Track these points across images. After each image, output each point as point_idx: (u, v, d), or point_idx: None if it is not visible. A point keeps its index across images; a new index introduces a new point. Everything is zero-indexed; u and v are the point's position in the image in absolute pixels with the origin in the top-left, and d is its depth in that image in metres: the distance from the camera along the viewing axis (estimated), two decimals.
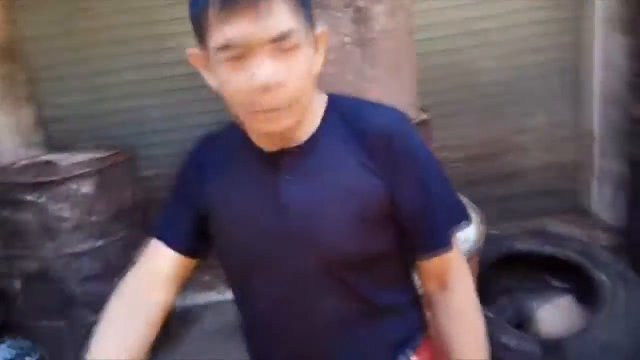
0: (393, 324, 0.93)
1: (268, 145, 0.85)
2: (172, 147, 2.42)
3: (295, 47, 0.73)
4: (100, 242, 1.88)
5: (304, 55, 0.75)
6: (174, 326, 2.28)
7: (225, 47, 0.72)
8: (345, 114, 0.85)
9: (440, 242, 0.86)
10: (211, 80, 0.81)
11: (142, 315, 0.86)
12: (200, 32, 0.75)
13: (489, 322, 1.47)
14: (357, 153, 0.83)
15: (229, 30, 0.70)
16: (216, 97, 0.84)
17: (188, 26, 0.78)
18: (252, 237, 0.85)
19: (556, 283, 2.00)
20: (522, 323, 1.87)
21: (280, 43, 0.72)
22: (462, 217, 0.88)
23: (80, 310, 1.86)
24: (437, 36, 2.36)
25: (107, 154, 2.00)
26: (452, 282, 0.89)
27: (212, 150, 0.92)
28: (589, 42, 2.41)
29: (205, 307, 2.52)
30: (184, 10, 0.79)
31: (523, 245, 1.98)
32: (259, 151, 0.86)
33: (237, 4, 0.69)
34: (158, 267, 0.90)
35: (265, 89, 0.72)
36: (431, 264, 0.88)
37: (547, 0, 2.40)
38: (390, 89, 1.75)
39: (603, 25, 2.33)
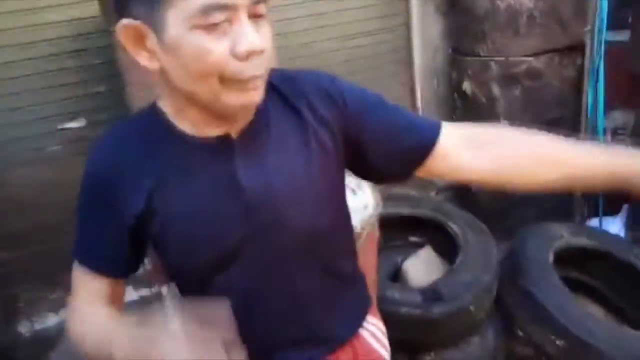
0: (352, 295, 1.00)
1: (211, 131, 0.79)
2: None
3: (265, 15, 0.72)
4: None
5: (269, 29, 0.74)
6: (27, 356, 1.99)
7: (210, 8, 0.66)
8: (276, 86, 0.84)
9: (436, 122, 0.87)
10: (147, 60, 0.73)
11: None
12: (158, 1, 0.67)
13: None
14: (301, 121, 0.84)
15: None
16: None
17: None
18: (219, 232, 0.80)
19: (414, 239, 2.24)
20: (394, 277, 2.07)
21: (257, 7, 0.70)
22: None
23: None
24: (281, 18, 2.41)
25: None
26: (479, 131, 0.87)
27: (129, 149, 0.80)
28: (412, 23, 2.70)
29: (60, 327, 2.23)
30: None
31: (384, 209, 2.17)
32: (193, 139, 0.80)
33: None
34: (100, 296, 0.85)
35: (251, 54, 0.69)
36: (452, 139, 0.85)
37: None
38: None
39: (421, 7, 2.63)
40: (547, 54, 2.24)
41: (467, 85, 2.48)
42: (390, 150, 0.85)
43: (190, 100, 0.75)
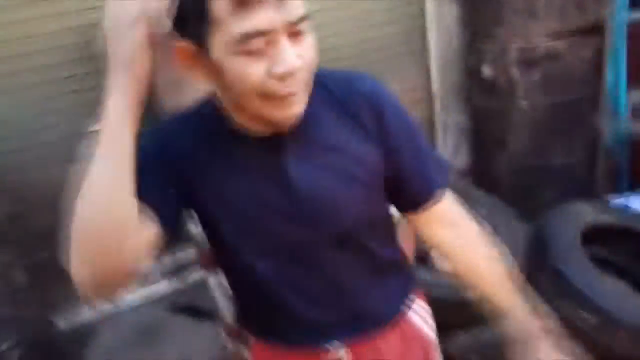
0: (395, 277, 1.04)
1: (264, 130, 0.84)
2: None
3: (304, 32, 0.75)
4: None
5: (310, 40, 0.77)
6: (66, 348, 2.05)
7: (249, 36, 0.70)
8: (329, 87, 0.88)
9: (438, 186, 0.96)
10: (202, 77, 0.78)
11: None
12: (203, 27, 0.72)
13: None
14: (350, 123, 0.88)
15: (253, 18, 0.69)
16: None
17: None
18: (267, 223, 0.86)
19: None
20: (422, 261, 2.10)
21: (296, 27, 0.73)
22: (446, 164, 1.00)
23: None
24: None
25: None
26: (458, 218, 1.00)
27: (185, 137, 0.86)
28: (426, 11, 2.71)
29: (99, 320, 2.29)
30: None
31: None
32: (246, 135, 0.85)
33: None
34: None
35: (290, 74, 0.73)
36: (435, 209, 0.96)
37: None
38: None
39: None
40: (566, 36, 2.25)
41: (486, 70, 2.49)
42: (393, 185, 0.93)
43: (240, 107, 0.81)
